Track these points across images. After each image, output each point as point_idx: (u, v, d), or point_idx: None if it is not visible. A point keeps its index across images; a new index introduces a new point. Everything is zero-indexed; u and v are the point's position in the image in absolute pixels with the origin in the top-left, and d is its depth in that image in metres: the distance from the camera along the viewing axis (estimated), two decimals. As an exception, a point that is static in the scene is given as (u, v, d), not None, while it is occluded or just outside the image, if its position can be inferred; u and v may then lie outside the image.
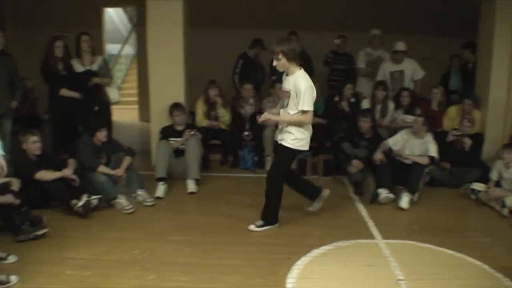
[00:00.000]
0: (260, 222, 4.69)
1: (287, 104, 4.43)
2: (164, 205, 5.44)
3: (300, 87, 4.27)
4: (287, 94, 4.39)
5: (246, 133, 6.96)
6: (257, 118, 4.56)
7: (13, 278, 3.60)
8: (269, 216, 4.71)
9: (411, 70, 7.23)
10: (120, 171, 5.42)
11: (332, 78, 8.08)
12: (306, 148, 4.58)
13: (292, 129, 4.44)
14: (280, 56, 4.28)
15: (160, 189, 5.62)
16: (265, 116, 4.50)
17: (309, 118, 4.40)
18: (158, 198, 5.53)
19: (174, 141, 6.14)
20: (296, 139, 4.44)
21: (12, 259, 3.91)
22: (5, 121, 5.83)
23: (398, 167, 5.74)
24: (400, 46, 7.15)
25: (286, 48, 4.26)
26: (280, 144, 4.54)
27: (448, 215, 5.31)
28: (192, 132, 6.17)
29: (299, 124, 4.42)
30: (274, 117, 4.56)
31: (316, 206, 4.97)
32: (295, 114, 4.39)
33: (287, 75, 4.42)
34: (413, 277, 3.74)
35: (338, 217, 5.16)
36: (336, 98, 7.12)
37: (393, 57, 7.25)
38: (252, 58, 7.79)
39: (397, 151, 5.89)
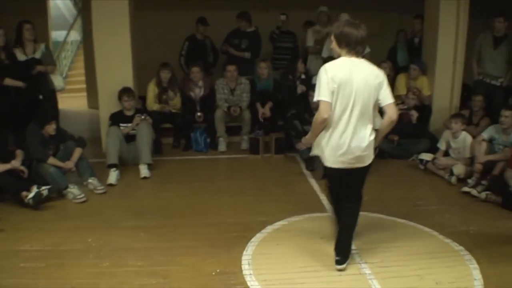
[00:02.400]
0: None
1: None
2: (117, 192, 5.38)
3: None
4: None
5: (198, 114, 6.93)
6: None
7: None
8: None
9: None
10: (70, 164, 5.29)
11: (276, 57, 7.91)
12: (329, 164, 3.63)
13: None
14: (332, 37, 3.45)
15: (112, 176, 5.55)
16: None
17: (320, 111, 3.33)
18: (111, 185, 5.46)
19: (125, 127, 6.07)
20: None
21: None
22: None
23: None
24: (343, 16, 7.18)
25: (336, 30, 3.40)
26: None
27: (397, 185, 5.46)
28: (143, 117, 6.11)
29: (316, 126, 3.45)
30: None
31: None
32: None
33: None
34: (365, 246, 3.84)
35: (291, 193, 5.24)
36: (290, 76, 7.15)
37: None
38: (201, 40, 7.70)
39: None
